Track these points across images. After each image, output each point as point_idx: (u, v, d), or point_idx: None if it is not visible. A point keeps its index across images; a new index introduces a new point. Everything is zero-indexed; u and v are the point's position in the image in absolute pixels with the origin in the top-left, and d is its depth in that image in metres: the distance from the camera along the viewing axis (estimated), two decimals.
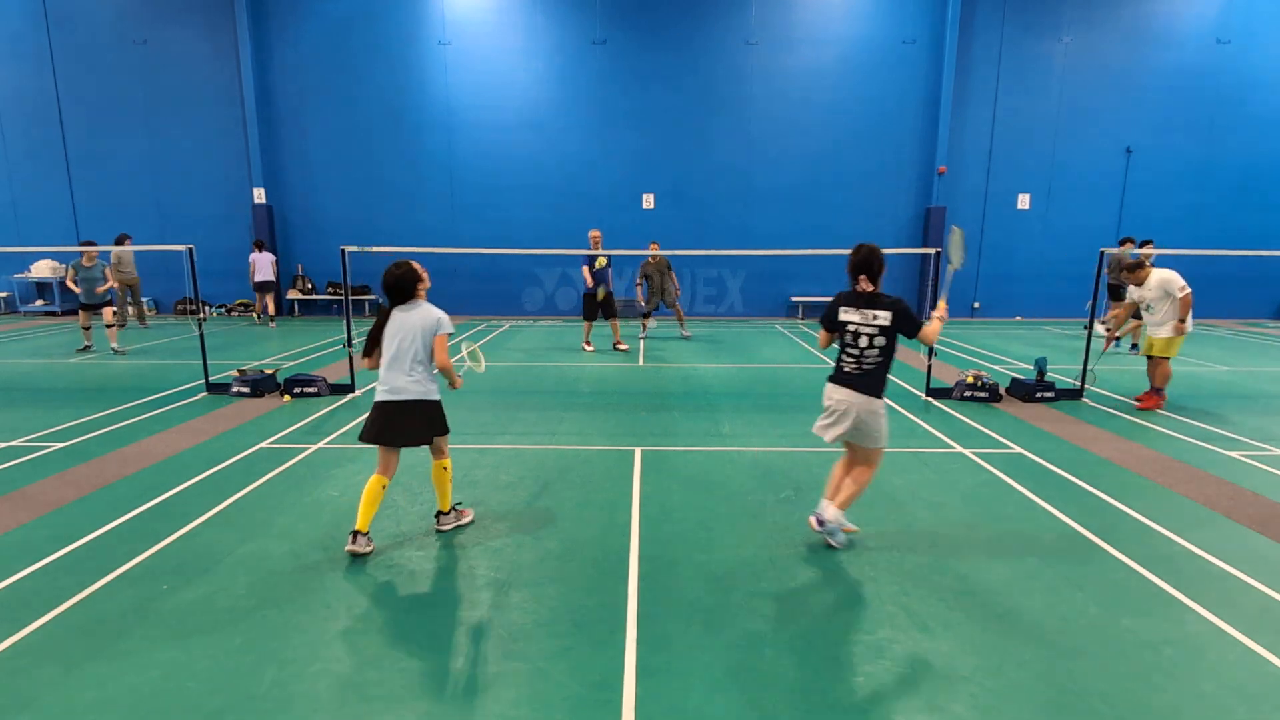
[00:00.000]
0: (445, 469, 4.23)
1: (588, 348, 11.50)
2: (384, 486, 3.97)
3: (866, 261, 3.87)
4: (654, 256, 12.45)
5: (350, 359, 8.07)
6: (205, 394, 7.91)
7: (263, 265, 14.63)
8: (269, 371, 8.16)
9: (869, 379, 3.90)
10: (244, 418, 6.91)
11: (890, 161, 16.35)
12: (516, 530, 4.29)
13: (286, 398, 7.73)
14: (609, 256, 11.36)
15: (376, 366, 4.04)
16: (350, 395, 7.90)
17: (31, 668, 2.89)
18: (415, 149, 16.33)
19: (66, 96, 15.99)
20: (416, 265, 4.01)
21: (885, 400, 3.95)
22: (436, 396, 4.07)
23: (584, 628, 3.21)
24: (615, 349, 11.47)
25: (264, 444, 6.02)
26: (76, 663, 2.92)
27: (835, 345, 4.06)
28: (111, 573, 3.68)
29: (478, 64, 15.97)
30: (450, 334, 4.11)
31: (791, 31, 15.92)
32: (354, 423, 6.75)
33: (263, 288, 14.78)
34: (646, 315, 12.86)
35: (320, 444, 6.05)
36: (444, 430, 4.16)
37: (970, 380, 7.85)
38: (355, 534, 3.89)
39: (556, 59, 16.01)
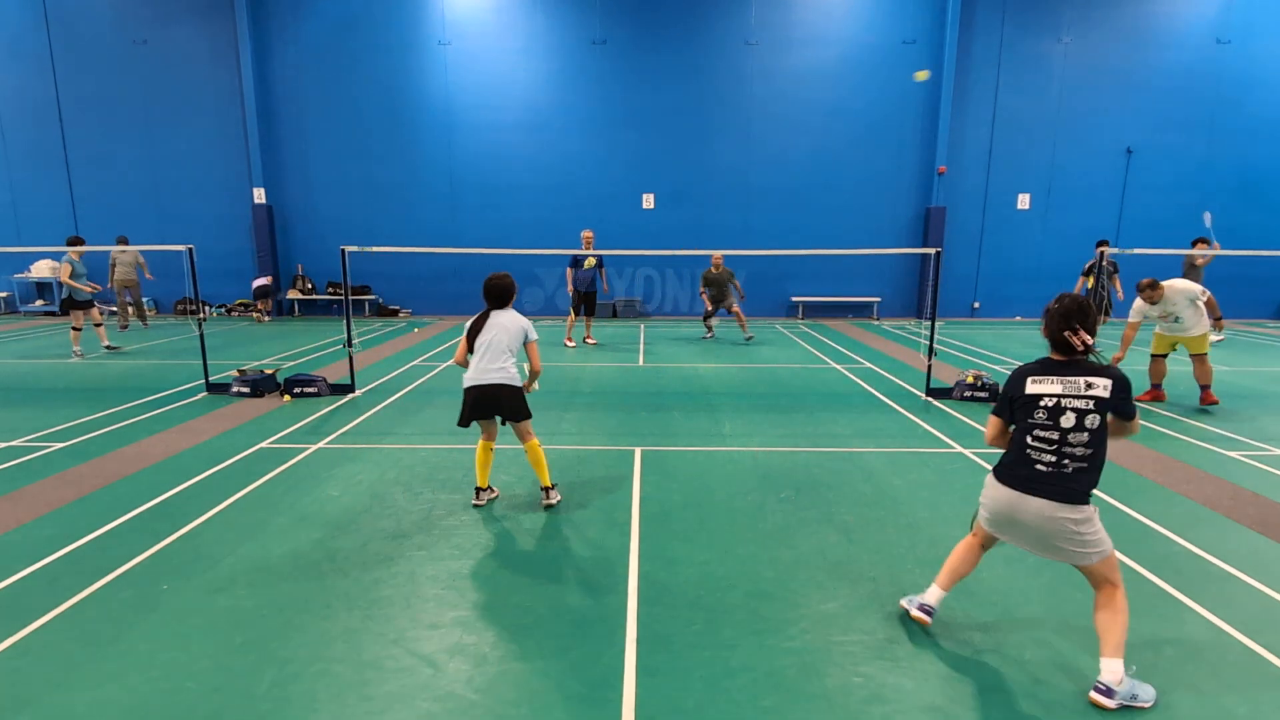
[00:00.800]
0: (536, 448, 4.66)
1: (569, 343, 12.07)
2: (490, 449, 4.67)
3: (1079, 312, 2.82)
4: (716, 266, 12.68)
5: (350, 359, 8.06)
6: (205, 394, 7.91)
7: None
8: (269, 371, 8.16)
9: (1073, 481, 2.72)
10: (244, 418, 6.91)
11: (890, 161, 16.35)
12: (516, 530, 4.30)
13: (286, 398, 7.73)
14: (599, 257, 11.56)
15: (466, 363, 4.56)
16: (350, 395, 7.90)
17: (31, 668, 2.89)
18: (415, 149, 16.33)
19: (66, 96, 15.99)
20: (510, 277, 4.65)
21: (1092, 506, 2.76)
22: (518, 383, 4.56)
23: (584, 628, 3.21)
24: (585, 342, 12.24)
25: (264, 444, 6.02)
26: (76, 663, 2.92)
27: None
28: (111, 573, 3.68)
29: (478, 64, 15.97)
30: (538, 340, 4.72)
31: (791, 32, 15.92)
32: (354, 423, 6.75)
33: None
34: (708, 319, 13.11)
35: (320, 444, 6.05)
36: (526, 415, 4.58)
37: (970, 380, 7.85)
38: (478, 490, 4.68)
39: (556, 59, 16.01)
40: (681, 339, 12.93)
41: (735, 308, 12.74)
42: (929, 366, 8.07)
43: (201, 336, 8.21)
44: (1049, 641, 3.11)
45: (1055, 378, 2.79)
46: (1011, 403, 2.88)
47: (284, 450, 5.86)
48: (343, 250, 7.78)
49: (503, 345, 4.49)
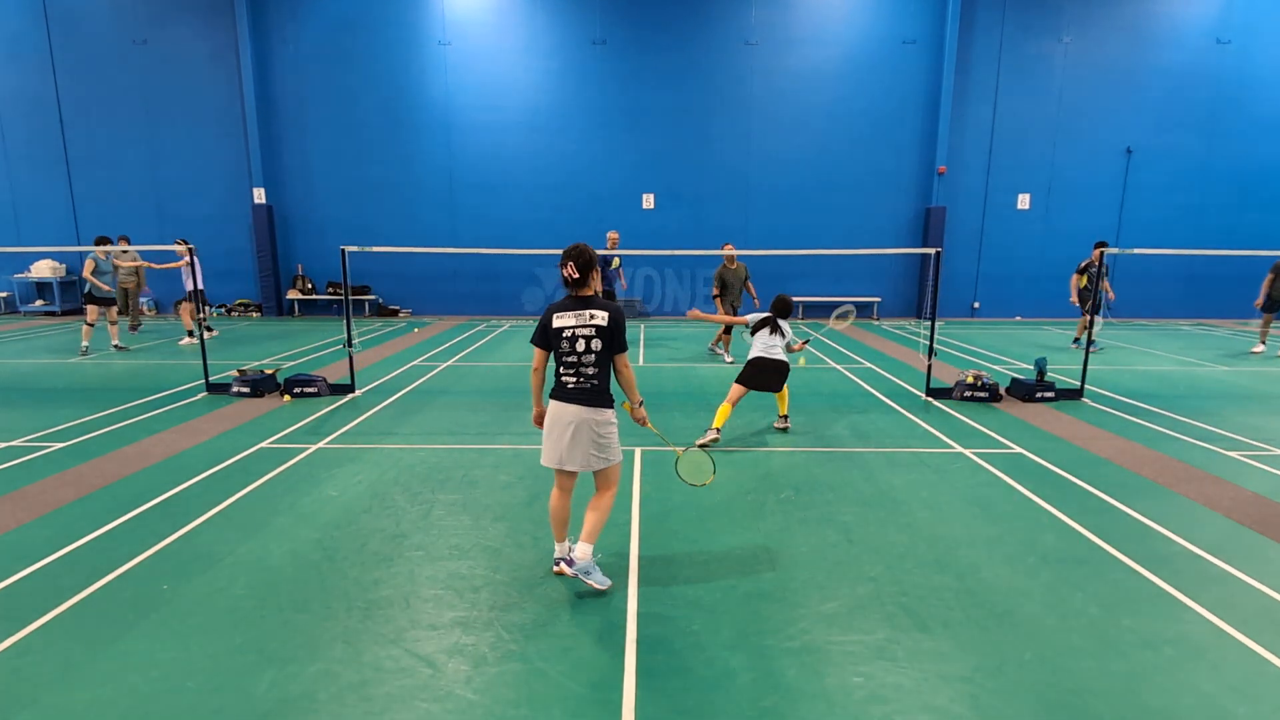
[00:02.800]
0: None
1: None
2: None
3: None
4: (731, 260, 10.43)
5: (350, 359, 8.06)
6: (205, 394, 7.90)
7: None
8: (269, 371, 8.16)
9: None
10: (244, 418, 6.91)
11: (890, 161, 16.35)
12: (516, 530, 4.29)
13: (286, 398, 7.73)
14: (621, 257, 11.52)
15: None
16: (350, 395, 7.89)
17: (31, 668, 2.89)
18: (415, 149, 16.32)
19: (66, 96, 15.98)
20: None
21: None
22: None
23: (584, 628, 3.21)
24: None
25: (264, 444, 6.02)
26: (76, 663, 2.92)
27: None
28: (111, 573, 3.68)
29: (478, 64, 15.96)
30: None
31: (791, 31, 15.92)
32: (354, 423, 6.75)
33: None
34: (726, 334, 10.92)
35: (320, 444, 6.05)
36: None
37: (970, 380, 7.85)
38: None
39: (556, 59, 16.00)
40: (682, 339, 12.93)
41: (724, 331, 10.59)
42: (929, 366, 8.07)
43: (201, 336, 8.22)
44: (1048, 641, 3.11)
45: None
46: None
47: (284, 450, 5.86)
48: (343, 250, 7.77)
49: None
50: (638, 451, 5.87)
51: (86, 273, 10.77)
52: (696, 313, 6.48)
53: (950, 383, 8.15)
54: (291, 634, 3.14)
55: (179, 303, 12.30)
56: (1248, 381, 9.15)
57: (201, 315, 8.73)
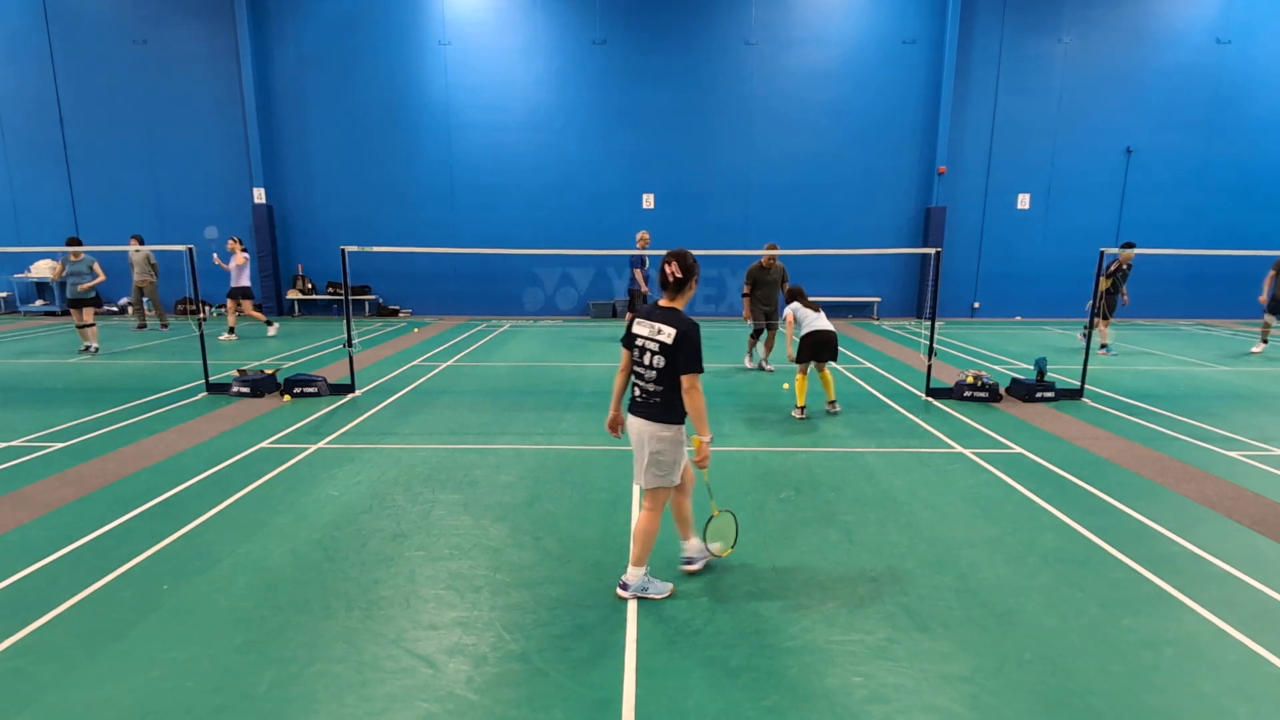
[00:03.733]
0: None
1: None
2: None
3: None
4: (768, 259, 9.37)
5: (350, 359, 8.06)
6: (205, 394, 7.90)
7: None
8: (269, 371, 8.16)
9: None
10: (244, 418, 6.91)
11: (890, 161, 16.35)
12: (517, 530, 4.29)
13: (286, 398, 7.73)
14: (649, 257, 11.60)
15: None
16: (350, 395, 7.89)
17: (31, 668, 2.89)
18: (415, 149, 16.33)
19: (66, 96, 15.98)
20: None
21: None
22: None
23: (584, 628, 3.21)
24: None
25: (264, 444, 6.02)
26: (76, 663, 2.92)
27: None
28: (111, 573, 3.68)
29: (478, 64, 15.97)
30: None
31: (791, 31, 15.92)
32: (354, 423, 6.75)
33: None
34: (757, 335, 9.75)
35: (320, 444, 6.05)
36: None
37: (970, 380, 7.85)
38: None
39: (556, 59, 16.00)
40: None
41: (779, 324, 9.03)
42: (929, 366, 8.07)
43: (201, 336, 8.21)
44: (1048, 641, 3.11)
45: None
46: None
47: (284, 450, 5.86)
48: (343, 250, 7.77)
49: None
50: None
51: (54, 275, 10.94)
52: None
53: (950, 383, 8.15)
54: (291, 634, 3.14)
55: (231, 300, 12.59)
56: (1248, 381, 9.15)
57: (202, 316, 8.72)
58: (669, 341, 3.22)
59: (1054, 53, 15.89)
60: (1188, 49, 15.81)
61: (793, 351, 7.14)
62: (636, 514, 4.53)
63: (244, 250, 12.60)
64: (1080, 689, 2.78)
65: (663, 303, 3.37)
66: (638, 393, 3.39)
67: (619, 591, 3.48)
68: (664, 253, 3.50)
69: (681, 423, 3.35)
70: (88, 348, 10.81)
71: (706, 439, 3.27)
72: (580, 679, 2.84)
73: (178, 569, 3.74)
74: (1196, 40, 15.79)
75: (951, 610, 3.36)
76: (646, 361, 3.30)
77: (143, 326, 13.58)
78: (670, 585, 3.55)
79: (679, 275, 3.32)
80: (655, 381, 3.29)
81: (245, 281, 12.58)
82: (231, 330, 12.63)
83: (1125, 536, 4.22)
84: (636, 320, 3.39)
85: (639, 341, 3.34)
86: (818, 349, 6.97)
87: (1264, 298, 11.40)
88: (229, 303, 12.58)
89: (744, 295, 9.57)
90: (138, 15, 15.73)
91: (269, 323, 13.14)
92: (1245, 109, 16.01)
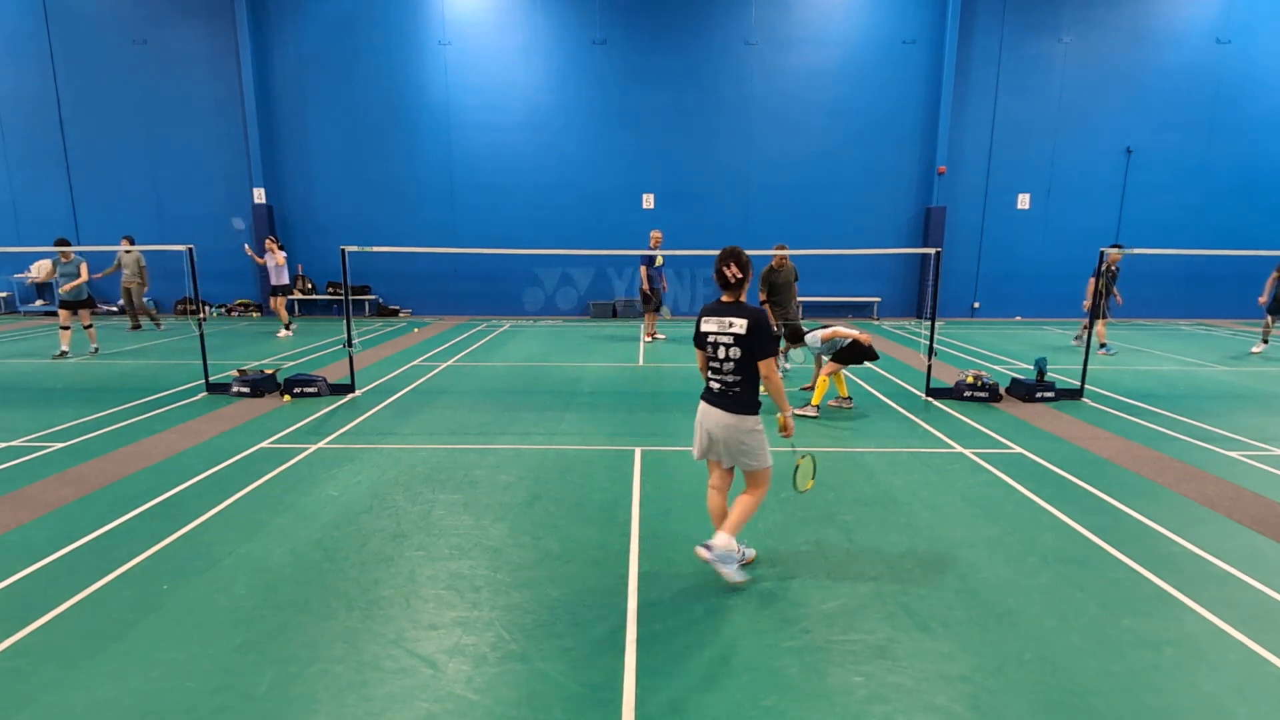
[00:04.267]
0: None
1: (651, 338, 12.52)
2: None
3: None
4: (780, 260, 9.17)
5: (350, 359, 8.06)
6: (205, 394, 7.90)
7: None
8: (269, 371, 8.16)
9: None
10: (244, 418, 6.91)
11: (890, 161, 16.35)
12: (517, 530, 4.29)
13: (286, 398, 7.73)
14: (664, 256, 11.88)
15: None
16: (350, 395, 7.89)
17: (31, 668, 2.89)
18: (415, 149, 16.32)
19: (66, 96, 15.98)
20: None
21: None
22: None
23: (584, 628, 3.21)
24: (652, 338, 12.55)
25: (264, 444, 6.02)
26: (76, 663, 2.92)
27: None
28: (111, 573, 3.68)
29: (478, 64, 15.97)
30: None
31: (791, 31, 15.92)
32: (354, 423, 6.75)
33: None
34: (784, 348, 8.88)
35: (320, 444, 6.05)
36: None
37: (970, 380, 7.85)
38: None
39: (556, 59, 16.00)
40: (682, 339, 12.92)
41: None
42: (929, 366, 8.07)
43: (201, 336, 8.21)
44: (1048, 641, 3.11)
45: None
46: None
47: (284, 450, 5.86)
48: (343, 250, 7.77)
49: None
50: (638, 451, 5.87)
51: (43, 276, 10.95)
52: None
53: (950, 383, 8.15)
54: (291, 634, 3.14)
55: (271, 299, 13.20)
56: (1248, 381, 9.14)
57: (202, 316, 8.70)
58: (743, 332, 3.40)
59: (1054, 53, 15.89)
60: (1188, 49, 15.81)
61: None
62: (636, 508, 4.54)
63: (281, 249, 13.07)
64: (1080, 689, 2.78)
65: (725, 299, 3.54)
66: (716, 386, 3.56)
67: (701, 552, 3.51)
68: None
69: (757, 412, 3.56)
70: (64, 353, 10.49)
71: (789, 413, 3.64)
72: (580, 679, 2.84)
73: (178, 569, 3.74)
74: (1196, 40, 15.79)
75: (951, 610, 3.36)
76: (722, 355, 3.48)
77: (137, 327, 13.56)
78: (744, 577, 3.60)
79: (739, 275, 3.50)
80: (733, 373, 3.47)
81: (285, 280, 13.11)
82: (287, 325, 13.13)
83: (1125, 536, 4.22)
84: (704, 317, 3.56)
85: (710, 338, 3.51)
86: (860, 354, 7.23)
87: (1264, 299, 11.40)
88: (273, 300, 13.09)
89: (763, 303, 9.07)
90: (138, 15, 15.73)
91: (288, 325, 13.27)
92: (1245, 109, 16.01)
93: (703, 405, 3.63)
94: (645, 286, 12.05)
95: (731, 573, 3.52)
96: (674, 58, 16.00)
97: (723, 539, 3.52)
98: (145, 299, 13.85)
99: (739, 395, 3.49)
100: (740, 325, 3.41)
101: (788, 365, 9.82)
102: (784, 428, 3.66)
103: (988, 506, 4.71)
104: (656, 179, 16.52)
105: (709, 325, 3.52)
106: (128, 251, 11.61)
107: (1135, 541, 4.15)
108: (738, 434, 3.50)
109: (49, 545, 4.00)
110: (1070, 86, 15.99)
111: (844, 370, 7.49)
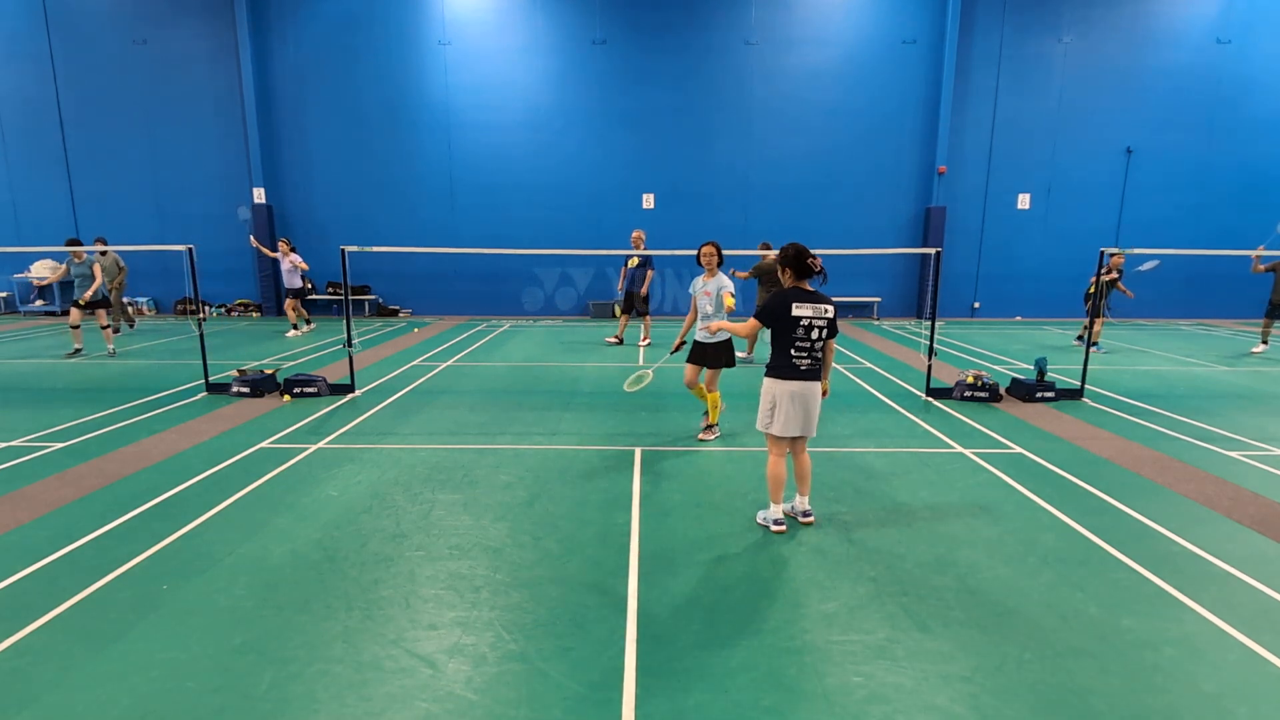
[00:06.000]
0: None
1: (610, 340, 12.25)
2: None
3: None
4: (769, 257, 9.75)
5: (350, 359, 8.06)
6: (205, 394, 7.90)
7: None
8: (269, 371, 8.16)
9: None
10: (244, 418, 6.91)
11: (890, 161, 16.36)
12: (516, 530, 4.29)
13: (286, 398, 7.73)
14: (641, 257, 11.56)
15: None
16: (350, 395, 7.89)
17: (31, 668, 2.89)
18: (415, 149, 16.33)
19: (66, 96, 15.99)
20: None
21: None
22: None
23: (584, 628, 3.21)
24: (639, 344, 12.27)
25: (264, 444, 6.02)
26: (76, 663, 2.92)
27: None
28: (111, 573, 3.68)
29: (478, 64, 15.97)
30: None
31: (791, 31, 15.92)
32: (354, 423, 6.75)
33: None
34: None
35: (320, 444, 6.05)
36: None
37: (970, 380, 7.85)
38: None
39: (556, 59, 16.01)
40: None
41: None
42: (929, 366, 8.07)
43: (201, 336, 8.20)
44: (1048, 641, 3.11)
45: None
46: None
47: (284, 450, 5.86)
48: (343, 250, 7.77)
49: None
50: (637, 451, 5.87)
51: (55, 277, 11.12)
52: (723, 324, 5.44)
53: (950, 383, 8.15)
54: (291, 634, 3.14)
55: (285, 300, 13.24)
56: (1248, 381, 9.15)
57: (202, 316, 8.69)
58: (831, 315, 4.08)
59: (1054, 53, 15.89)
60: (1188, 49, 15.81)
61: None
62: (636, 508, 4.54)
63: (294, 251, 13.12)
64: (1080, 689, 2.78)
65: (805, 287, 4.09)
66: (807, 362, 4.09)
67: (807, 520, 4.35)
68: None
69: None
70: (78, 350, 10.59)
71: (828, 381, 4.36)
72: (580, 679, 2.84)
73: (178, 569, 3.74)
74: (1196, 40, 15.80)
75: (951, 610, 3.36)
76: (815, 335, 4.05)
77: (116, 330, 13.50)
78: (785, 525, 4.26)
79: (819, 270, 4.08)
80: (820, 349, 4.12)
81: (297, 283, 13.07)
82: (308, 321, 13.40)
83: (1125, 536, 4.22)
84: (795, 303, 4.01)
85: (804, 321, 4.02)
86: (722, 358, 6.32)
87: (1258, 264, 11.34)
88: (289, 301, 13.14)
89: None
90: (138, 15, 15.74)
91: (295, 326, 13.29)
92: (1245, 109, 16.01)
93: (794, 384, 4.09)
94: (644, 289, 11.83)
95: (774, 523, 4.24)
96: (674, 58, 16.00)
97: (807, 502, 4.37)
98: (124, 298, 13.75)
99: (820, 365, 4.16)
100: (830, 310, 4.07)
101: (744, 354, 10.24)
102: (825, 391, 4.31)
103: (988, 506, 4.71)
104: (656, 179, 16.52)
105: (803, 310, 4.00)
106: (103, 254, 11.50)
107: (1135, 541, 4.15)
108: (817, 400, 4.17)
109: (49, 545, 4.00)
110: (1070, 86, 16.00)
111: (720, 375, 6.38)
